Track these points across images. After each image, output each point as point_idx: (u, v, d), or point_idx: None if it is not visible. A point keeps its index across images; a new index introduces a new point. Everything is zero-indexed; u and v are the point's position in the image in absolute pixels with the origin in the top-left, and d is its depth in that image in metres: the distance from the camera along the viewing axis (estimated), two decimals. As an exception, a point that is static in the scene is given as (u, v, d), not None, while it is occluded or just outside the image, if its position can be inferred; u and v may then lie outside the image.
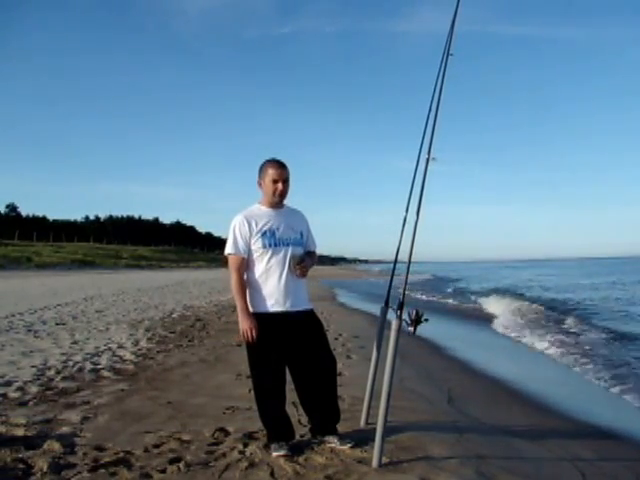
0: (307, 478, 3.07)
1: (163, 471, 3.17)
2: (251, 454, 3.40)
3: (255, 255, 3.48)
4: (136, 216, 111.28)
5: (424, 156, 3.44)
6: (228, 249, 3.49)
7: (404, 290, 3.32)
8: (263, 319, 3.43)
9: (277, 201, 3.54)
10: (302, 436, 3.69)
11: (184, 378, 5.80)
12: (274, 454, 3.37)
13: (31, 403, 4.70)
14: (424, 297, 21.13)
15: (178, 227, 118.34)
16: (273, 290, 3.45)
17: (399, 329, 3.25)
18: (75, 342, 8.04)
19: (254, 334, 3.37)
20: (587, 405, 5.58)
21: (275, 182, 3.48)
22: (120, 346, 7.74)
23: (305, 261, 3.54)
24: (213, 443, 3.65)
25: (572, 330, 11.27)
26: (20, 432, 3.86)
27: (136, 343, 8.06)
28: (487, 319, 14.23)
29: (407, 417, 4.25)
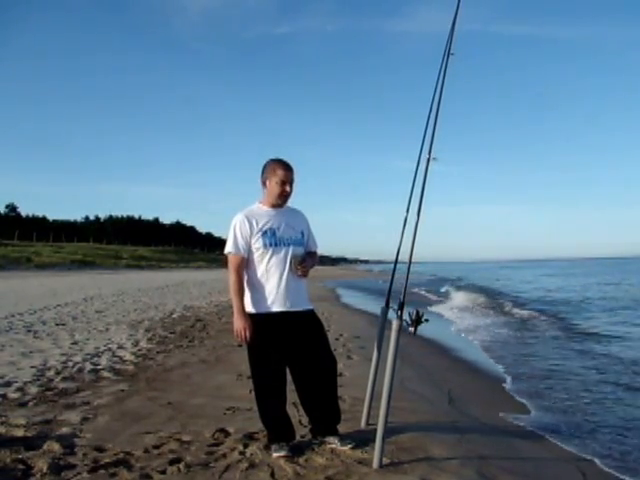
0: (307, 479, 3.06)
1: (163, 472, 3.16)
2: (251, 455, 3.39)
3: (255, 255, 3.46)
4: (136, 216, 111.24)
5: (425, 156, 3.44)
6: (228, 248, 3.47)
7: (404, 290, 3.31)
8: (264, 319, 3.42)
9: (280, 202, 3.53)
10: (302, 437, 3.68)
11: (184, 379, 5.79)
12: (274, 455, 3.37)
13: (31, 404, 4.69)
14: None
15: (178, 227, 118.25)
16: (274, 290, 3.43)
17: (400, 329, 3.25)
18: (75, 342, 8.03)
19: (247, 334, 3.37)
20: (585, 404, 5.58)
21: (283, 184, 3.46)
22: (120, 346, 7.73)
23: (306, 261, 3.53)
24: (213, 444, 3.64)
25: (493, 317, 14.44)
26: (20, 433, 3.86)
27: (136, 344, 8.05)
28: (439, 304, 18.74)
29: (408, 418, 4.24)
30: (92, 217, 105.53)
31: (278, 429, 3.49)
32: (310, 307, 3.60)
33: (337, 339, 8.67)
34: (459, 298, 21.01)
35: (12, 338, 8.35)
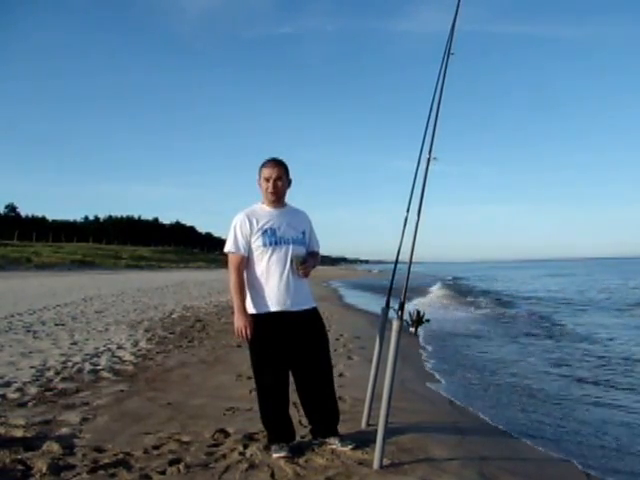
0: (308, 480, 3.06)
1: (163, 472, 3.15)
2: (251, 455, 3.39)
3: (256, 254, 3.46)
4: (136, 216, 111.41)
5: (425, 156, 3.43)
6: (228, 247, 3.47)
7: (405, 290, 3.31)
8: (264, 319, 3.41)
9: (271, 199, 3.51)
10: (303, 437, 3.67)
11: (184, 379, 5.78)
12: (274, 455, 3.36)
13: (30, 404, 4.68)
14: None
15: (178, 227, 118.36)
16: (274, 289, 3.42)
17: (400, 330, 3.24)
18: (74, 343, 8.03)
19: (248, 333, 3.38)
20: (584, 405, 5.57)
21: (267, 180, 3.48)
22: (119, 347, 7.73)
23: (308, 261, 3.51)
24: (213, 444, 3.63)
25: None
26: (19, 433, 3.85)
27: (136, 344, 8.04)
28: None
29: (408, 418, 4.23)
30: (92, 217, 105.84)
31: (278, 430, 3.49)
32: (312, 305, 3.58)
33: (337, 339, 8.65)
34: (439, 293, 23.87)
35: (11, 338, 8.34)
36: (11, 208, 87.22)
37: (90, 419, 4.24)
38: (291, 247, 3.46)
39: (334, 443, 3.51)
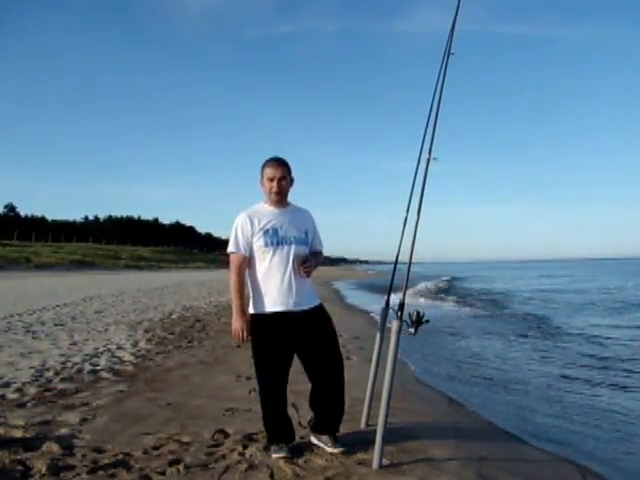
0: (307, 480, 3.06)
1: (162, 473, 3.16)
2: (251, 456, 3.39)
3: (257, 254, 3.44)
4: (135, 216, 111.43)
5: (425, 156, 3.43)
6: (230, 247, 3.46)
7: (404, 291, 3.31)
8: (267, 319, 3.39)
9: (275, 199, 3.49)
10: (302, 438, 3.67)
11: (183, 379, 5.79)
12: (274, 456, 3.36)
13: (30, 404, 4.68)
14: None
15: (178, 227, 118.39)
16: (276, 290, 3.40)
17: (399, 330, 3.24)
18: (74, 343, 8.02)
19: (245, 335, 3.37)
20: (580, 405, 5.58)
21: (270, 180, 3.45)
22: (119, 347, 7.73)
23: (309, 261, 3.47)
24: (213, 445, 3.63)
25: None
26: (19, 433, 3.85)
27: (135, 344, 8.04)
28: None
29: (408, 418, 4.24)
30: (91, 217, 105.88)
31: (278, 430, 3.48)
32: (316, 303, 3.55)
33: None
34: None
35: (11, 339, 8.34)
36: (10, 208, 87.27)
37: (90, 419, 4.24)
38: (293, 247, 3.43)
39: (326, 443, 3.48)
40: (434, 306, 18.70)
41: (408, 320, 3.30)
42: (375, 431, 3.21)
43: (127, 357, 6.98)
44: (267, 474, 3.11)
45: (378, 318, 4.10)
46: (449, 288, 33.51)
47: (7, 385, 5.34)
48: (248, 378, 5.61)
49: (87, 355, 7.05)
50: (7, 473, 3.14)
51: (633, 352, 8.88)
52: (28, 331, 9.23)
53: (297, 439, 3.61)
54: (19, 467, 3.22)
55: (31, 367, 6.21)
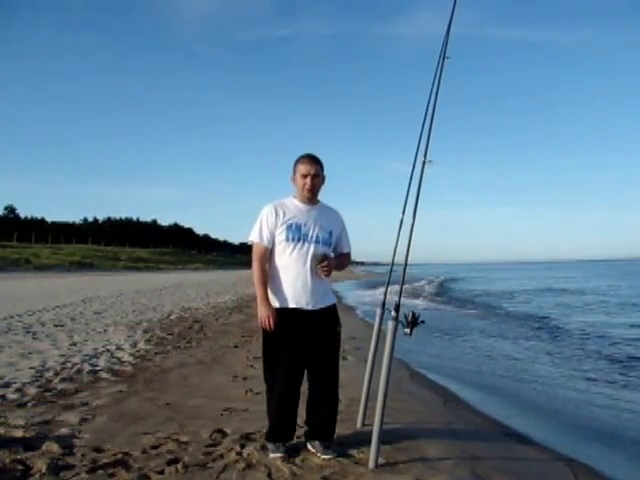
0: (304, 479, 3.08)
1: (161, 472, 3.18)
2: (248, 455, 3.42)
3: (278, 247, 3.42)
4: (134, 218, 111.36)
5: (420, 159, 3.46)
6: (253, 236, 3.44)
7: (400, 292, 3.34)
8: (279, 313, 3.37)
9: (307, 196, 3.47)
10: (299, 437, 3.69)
11: (182, 379, 5.82)
12: (271, 456, 3.38)
13: (30, 404, 4.71)
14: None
15: (176, 229, 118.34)
16: (291, 286, 3.38)
17: (395, 331, 3.28)
18: (73, 344, 8.05)
19: (272, 322, 3.33)
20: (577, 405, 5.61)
21: (304, 177, 3.44)
22: (118, 348, 7.75)
23: (328, 261, 3.42)
24: (211, 444, 3.66)
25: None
26: (19, 433, 3.87)
27: (134, 345, 8.07)
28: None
29: (403, 418, 4.28)
30: (90, 219, 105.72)
31: (280, 427, 3.47)
32: (330, 303, 3.53)
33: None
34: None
35: (11, 339, 8.36)
36: (10, 210, 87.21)
37: (89, 419, 4.27)
38: (313, 246, 3.40)
39: (317, 449, 3.45)
40: (429, 307, 18.78)
41: (404, 321, 3.33)
42: (371, 431, 3.24)
43: (126, 357, 7.01)
44: (265, 473, 3.14)
45: (374, 319, 4.13)
46: (444, 289, 33.68)
47: (7, 385, 5.36)
48: (245, 378, 5.65)
49: (86, 355, 7.07)
50: (7, 472, 3.16)
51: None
52: (28, 332, 9.25)
53: (295, 439, 3.64)
54: (19, 467, 3.25)
55: (31, 367, 6.24)
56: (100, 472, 3.18)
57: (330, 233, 3.52)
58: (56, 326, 10.13)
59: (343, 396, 4.81)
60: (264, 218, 3.44)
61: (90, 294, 19.20)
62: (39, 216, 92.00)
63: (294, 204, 3.50)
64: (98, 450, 3.56)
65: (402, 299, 3.35)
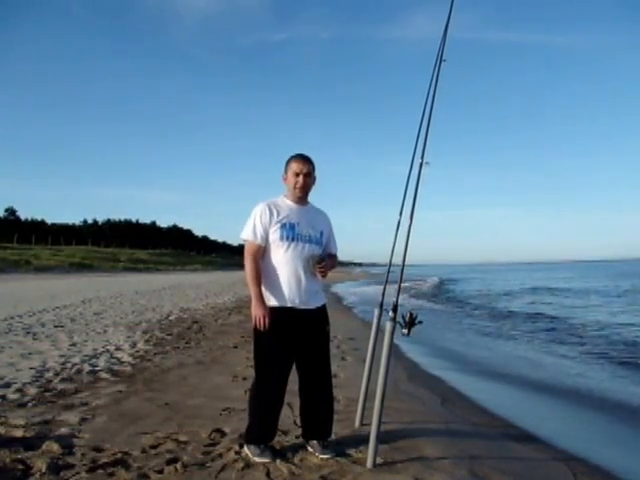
0: (302, 479, 3.10)
1: (160, 472, 3.19)
2: (247, 455, 3.42)
3: (272, 246, 3.42)
4: (134, 220, 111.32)
5: (417, 160, 3.48)
6: (246, 234, 3.43)
7: (398, 292, 3.36)
8: (273, 312, 3.37)
9: (299, 195, 3.49)
10: (298, 437, 3.71)
11: (181, 380, 5.83)
12: (257, 460, 3.32)
13: (30, 404, 4.72)
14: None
15: (175, 231, 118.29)
16: (285, 285, 3.39)
17: (393, 331, 3.29)
18: (73, 344, 8.06)
19: (267, 321, 3.31)
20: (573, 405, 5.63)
21: (296, 175, 3.45)
22: (118, 348, 7.77)
23: (325, 261, 3.47)
24: (210, 444, 3.68)
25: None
26: (19, 433, 3.89)
27: (134, 345, 8.08)
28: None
29: (401, 418, 4.30)
30: (90, 220, 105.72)
31: (266, 430, 3.45)
32: (321, 303, 3.56)
33: (331, 340, 8.68)
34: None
35: (11, 340, 8.38)
36: (11, 211, 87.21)
37: (89, 419, 4.28)
38: (307, 245, 3.43)
39: (315, 449, 3.46)
40: (427, 307, 18.79)
41: (402, 321, 3.34)
42: (369, 430, 3.25)
43: (126, 358, 7.03)
44: (263, 472, 3.16)
45: (373, 319, 4.15)
46: (443, 289, 33.71)
47: (8, 385, 5.37)
48: (244, 378, 5.66)
49: (86, 356, 7.09)
50: (8, 472, 3.18)
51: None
52: (28, 332, 9.26)
53: (293, 438, 3.66)
54: (20, 466, 3.26)
55: (31, 368, 6.25)
56: (100, 471, 3.20)
57: (321, 233, 3.55)
58: (56, 327, 10.15)
59: (342, 396, 4.87)
60: (257, 216, 3.42)
61: (90, 295, 19.22)
62: (39, 218, 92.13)
63: (286, 203, 3.51)
64: (98, 450, 3.57)
65: (400, 299, 3.37)
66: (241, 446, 3.55)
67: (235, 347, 7.79)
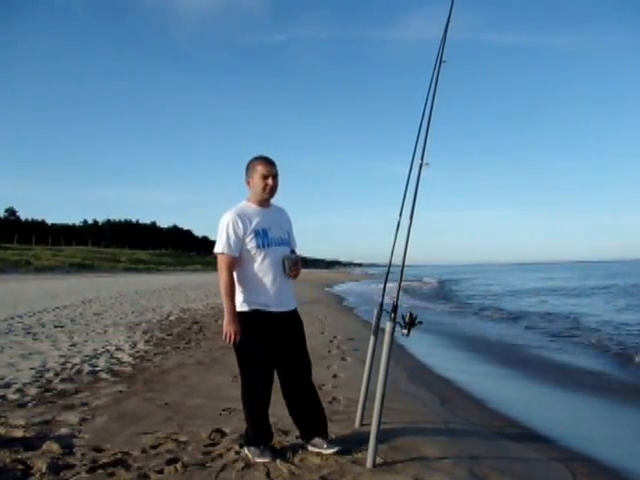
0: (302, 479, 3.10)
1: (160, 472, 3.20)
2: (247, 455, 3.43)
3: (247, 255, 3.40)
4: (134, 220, 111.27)
5: (417, 161, 3.49)
6: (220, 248, 3.36)
7: (398, 293, 3.36)
8: (254, 317, 3.38)
9: (267, 197, 3.49)
10: (298, 437, 3.71)
11: (181, 380, 5.84)
12: (258, 460, 3.33)
13: (30, 405, 4.73)
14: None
15: (175, 231, 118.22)
16: (266, 290, 3.40)
17: (393, 331, 3.30)
18: (73, 344, 8.07)
19: (237, 338, 3.32)
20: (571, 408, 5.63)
21: (265, 178, 3.43)
22: (118, 348, 7.78)
23: (299, 263, 3.52)
24: (210, 444, 3.69)
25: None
26: (19, 433, 3.89)
27: (134, 345, 8.09)
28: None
29: (401, 418, 4.30)
30: (90, 221, 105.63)
31: (263, 430, 3.47)
32: (295, 306, 3.60)
33: (331, 341, 8.74)
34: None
35: (11, 340, 8.39)
36: (11, 212, 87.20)
37: (89, 419, 4.29)
38: (280, 248, 3.45)
39: (320, 445, 3.48)
40: (427, 307, 18.79)
41: (401, 321, 3.34)
42: (369, 430, 3.26)
43: (126, 358, 7.03)
44: (263, 472, 3.16)
45: (372, 319, 4.16)
46: (442, 290, 33.72)
47: (8, 386, 5.38)
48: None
49: (86, 356, 7.10)
50: (8, 472, 3.19)
51: None
52: (28, 333, 9.27)
53: (293, 438, 3.66)
54: (20, 466, 3.27)
55: (31, 368, 6.26)
56: (100, 471, 3.20)
57: (288, 233, 3.59)
58: (56, 327, 10.16)
59: (342, 396, 4.88)
60: (230, 228, 3.37)
61: (90, 295, 19.22)
62: (39, 218, 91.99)
63: (252, 209, 3.48)
64: (98, 450, 3.58)
65: (402, 300, 3.38)
66: (241, 446, 3.56)
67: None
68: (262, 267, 3.41)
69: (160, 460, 3.38)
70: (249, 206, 3.50)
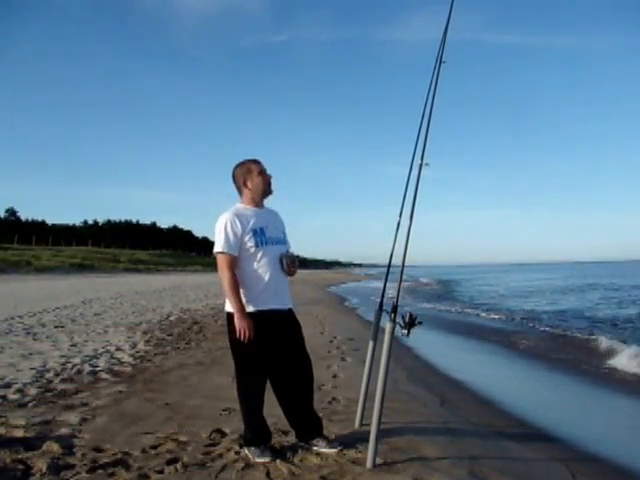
0: (302, 479, 3.11)
1: (161, 472, 3.21)
2: (247, 455, 3.44)
3: (245, 254, 3.41)
4: (134, 220, 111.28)
5: (417, 162, 3.49)
6: (220, 248, 3.37)
7: (398, 293, 3.36)
8: (255, 317, 3.37)
9: (266, 194, 3.55)
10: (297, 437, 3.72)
11: (181, 380, 5.84)
12: (258, 460, 3.33)
13: (30, 405, 4.74)
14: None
15: (175, 231, 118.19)
16: (265, 289, 3.41)
17: (393, 332, 3.30)
18: (74, 345, 8.08)
19: (250, 334, 3.31)
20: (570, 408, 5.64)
21: (264, 173, 3.52)
22: (118, 348, 7.78)
23: (296, 261, 3.54)
24: (210, 444, 3.69)
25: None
26: (19, 433, 3.90)
27: (134, 345, 8.10)
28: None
29: (401, 418, 4.30)
30: (91, 221, 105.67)
31: (261, 430, 3.48)
32: (292, 305, 3.61)
33: (331, 341, 8.73)
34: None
35: (12, 340, 8.40)
36: (11, 212, 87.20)
37: (89, 419, 4.30)
38: (277, 247, 3.48)
39: (320, 445, 3.50)
40: (427, 308, 18.78)
41: (401, 322, 3.35)
42: (369, 431, 3.26)
43: (126, 358, 7.04)
44: (263, 472, 3.17)
45: (372, 319, 4.16)
46: (442, 290, 33.74)
47: (8, 386, 5.39)
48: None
49: (87, 356, 7.10)
50: (8, 472, 3.19)
51: None
52: (29, 333, 9.28)
53: (292, 438, 3.66)
54: (20, 466, 3.27)
55: (32, 368, 6.27)
56: (100, 472, 3.21)
57: (283, 233, 3.63)
58: (56, 327, 10.17)
59: (342, 396, 4.89)
60: (229, 227, 3.38)
61: (90, 295, 19.23)
62: (40, 218, 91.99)
63: (249, 210, 3.52)
64: (98, 450, 3.58)
65: (403, 301, 3.38)
66: (241, 446, 3.56)
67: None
68: (261, 265, 3.42)
69: (160, 460, 3.38)
70: (245, 207, 3.54)
